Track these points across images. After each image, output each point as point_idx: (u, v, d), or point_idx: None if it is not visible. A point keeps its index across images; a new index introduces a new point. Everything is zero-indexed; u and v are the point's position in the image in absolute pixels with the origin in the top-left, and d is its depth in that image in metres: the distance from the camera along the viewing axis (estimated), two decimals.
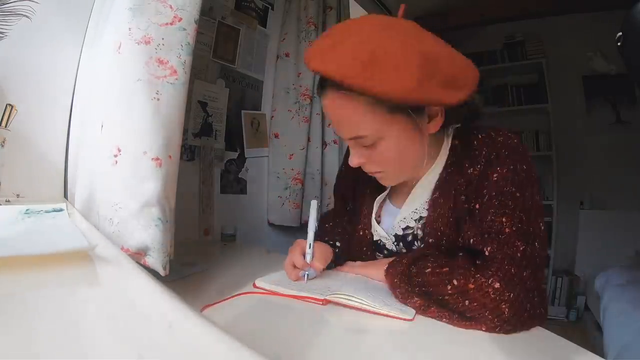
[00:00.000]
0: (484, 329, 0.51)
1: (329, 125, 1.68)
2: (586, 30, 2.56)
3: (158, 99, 0.53)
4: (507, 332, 0.51)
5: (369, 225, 0.74)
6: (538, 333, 0.53)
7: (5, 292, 0.25)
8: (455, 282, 0.53)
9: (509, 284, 0.51)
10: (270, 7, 1.52)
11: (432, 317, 0.54)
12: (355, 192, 0.80)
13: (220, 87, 1.33)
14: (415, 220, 0.67)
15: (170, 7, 0.56)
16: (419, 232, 0.67)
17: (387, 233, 0.71)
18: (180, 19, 0.56)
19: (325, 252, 0.72)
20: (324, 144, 1.66)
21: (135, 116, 0.52)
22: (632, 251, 2.23)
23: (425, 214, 0.65)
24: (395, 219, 0.70)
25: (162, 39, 0.55)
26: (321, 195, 1.62)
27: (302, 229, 1.61)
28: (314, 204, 0.74)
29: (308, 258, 0.68)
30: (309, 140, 1.57)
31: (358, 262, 0.74)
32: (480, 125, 0.63)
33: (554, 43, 2.74)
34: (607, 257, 2.27)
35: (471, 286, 0.52)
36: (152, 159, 0.51)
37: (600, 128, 2.64)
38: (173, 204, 0.55)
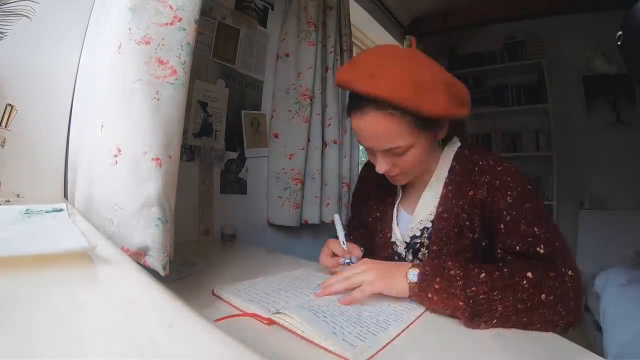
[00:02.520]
0: (548, 319, 0.52)
1: (329, 125, 1.68)
2: (586, 30, 2.56)
3: (158, 99, 0.53)
4: (569, 325, 0.53)
5: (390, 229, 0.82)
6: (539, 333, 0.53)
7: (5, 292, 0.25)
8: (530, 274, 0.54)
9: (575, 272, 0.56)
10: (270, 7, 1.52)
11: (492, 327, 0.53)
12: (373, 202, 0.87)
13: (220, 87, 1.33)
14: (420, 230, 0.76)
15: (170, 7, 0.56)
16: (426, 240, 0.75)
17: (401, 237, 0.79)
18: (180, 19, 0.56)
19: (357, 246, 0.78)
20: (324, 144, 1.66)
21: (135, 116, 0.52)
22: (632, 251, 2.23)
23: (429, 225, 0.75)
24: (407, 226, 0.78)
25: (162, 39, 0.55)
26: (321, 195, 1.62)
27: (302, 229, 1.61)
28: (337, 218, 0.78)
29: (345, 247, 0.74)
30: (308, 140, 1.57)
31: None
32: (481, 151, 0.74)
33: (554, 43, 2.74)
34: (607, 257, 2.27)
35: (552, 274, 0.54)
36: (152, 159, 0.51)
37: (600, 128, 2.64)
38: (173, 204, 0.55)
